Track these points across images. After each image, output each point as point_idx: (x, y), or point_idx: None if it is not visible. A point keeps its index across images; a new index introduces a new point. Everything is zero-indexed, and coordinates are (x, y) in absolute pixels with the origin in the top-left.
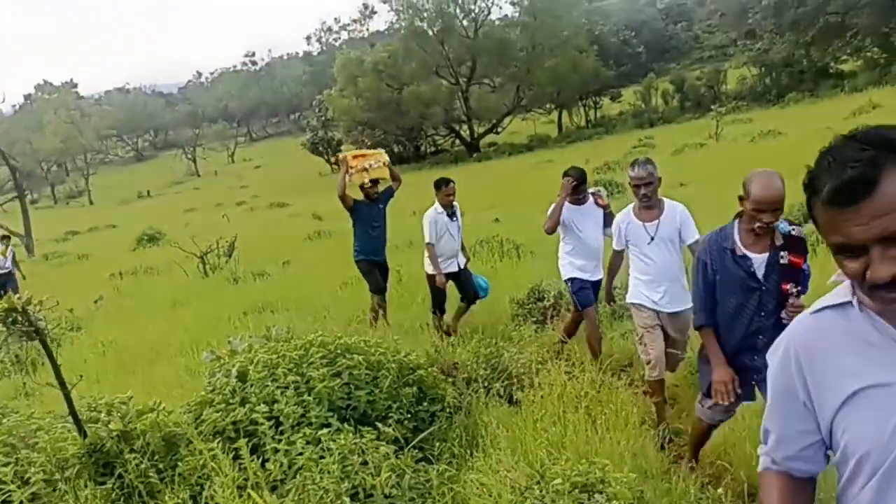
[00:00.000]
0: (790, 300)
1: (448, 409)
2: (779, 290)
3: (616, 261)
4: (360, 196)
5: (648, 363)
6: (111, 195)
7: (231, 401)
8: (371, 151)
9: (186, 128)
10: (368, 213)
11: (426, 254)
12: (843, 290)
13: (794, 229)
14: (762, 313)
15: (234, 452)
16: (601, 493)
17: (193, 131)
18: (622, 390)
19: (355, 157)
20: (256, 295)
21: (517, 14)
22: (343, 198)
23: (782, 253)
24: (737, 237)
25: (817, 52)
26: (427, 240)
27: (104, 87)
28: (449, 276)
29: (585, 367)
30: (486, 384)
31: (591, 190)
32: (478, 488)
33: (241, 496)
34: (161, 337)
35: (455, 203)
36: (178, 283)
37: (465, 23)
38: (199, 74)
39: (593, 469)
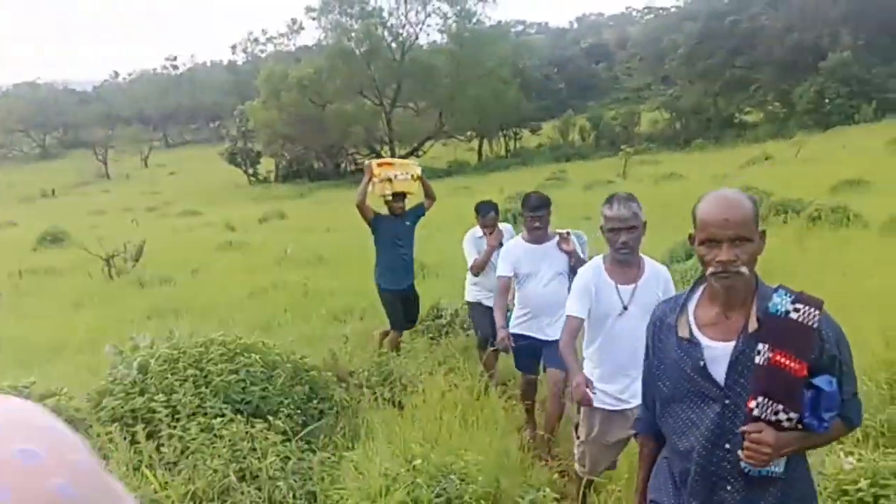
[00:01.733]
0: (747, 427)
1: (336, 408)
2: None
3: (575, 327)
4: (384, 209)
5: (583, 468)
6: (12, 192)
7: (131, 391)
8: (400, 161)
9: (99, 128)
10: (392, 230)
11: (468, 279)
12: None
13: (798, 308)
14: (725, 443)
15: (131, 437)
16: (454, 473)
17: (106, 132)
18: (496, 400)
19: (381, 164)
20: (162, 300)
21: (445, 41)
22: (361, 207)
23: (762, 345)
24: (691, 309)
25: (724, 102)
26: (470, 263)
27: (13, 81)
28: (489, 308)
29: (466, 377)
30: (374, 389)
31: (557, 230)
32: (354, 472)
33: (135, 475)
34: (61, 336)
35: (501, 227)
36: (82, 285)
37: (392, 46)
38: (116, 74)
39: (458, 459)
